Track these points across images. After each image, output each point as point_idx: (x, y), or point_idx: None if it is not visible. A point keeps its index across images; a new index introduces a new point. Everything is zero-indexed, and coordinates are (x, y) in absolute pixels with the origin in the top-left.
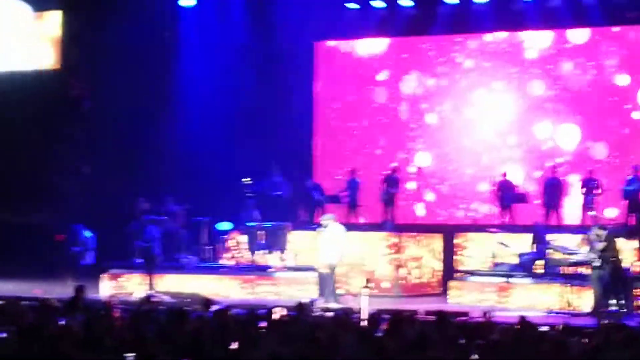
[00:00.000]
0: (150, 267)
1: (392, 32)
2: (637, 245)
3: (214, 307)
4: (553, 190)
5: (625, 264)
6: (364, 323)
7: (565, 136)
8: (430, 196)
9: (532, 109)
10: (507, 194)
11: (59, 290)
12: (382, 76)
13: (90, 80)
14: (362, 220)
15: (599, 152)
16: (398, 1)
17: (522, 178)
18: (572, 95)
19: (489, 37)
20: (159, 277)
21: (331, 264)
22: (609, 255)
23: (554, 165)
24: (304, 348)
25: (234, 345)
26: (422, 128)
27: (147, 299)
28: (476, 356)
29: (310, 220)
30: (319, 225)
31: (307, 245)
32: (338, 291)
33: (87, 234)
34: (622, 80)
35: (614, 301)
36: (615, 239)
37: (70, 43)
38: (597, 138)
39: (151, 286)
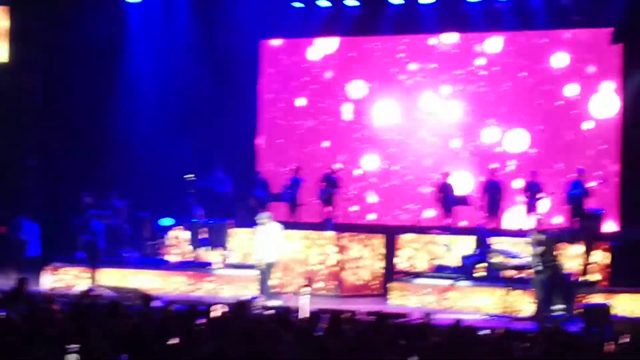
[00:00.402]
0: (93, 261)
1: (338, 32)
2: (582, 250)
3: (154, 303)
4: (493, 194)
5: (567, 269)
6: (304, 322)
7: (512, 140)
8: (373, 197)
9: (479, 112)
10: (448, 197)
11: (1, 282)
12: (327, 76)
13: (39, 75)
14: (303, 219)
15: (544, 157)
16: (344, 1)
17: (470, 181)
18: (520, 99)
19: (434, 39)
20: (101, 272)
21: (268, 262)
22: (550, 259)
23: (494, 169)
24: (244, 345)
25: (174, 341)
26: (367, 129)
27: (88, 292)
28: (415, 358)
29: (252, 217)
30: (256, 223)
31: (248, 243)
32: (277, 290)
33: (31, 226)
34: (570, 87)
35: (556, 306)
36: (556, 244)
37: (19, 37)
38: (543, 143)
39: (93, 280)
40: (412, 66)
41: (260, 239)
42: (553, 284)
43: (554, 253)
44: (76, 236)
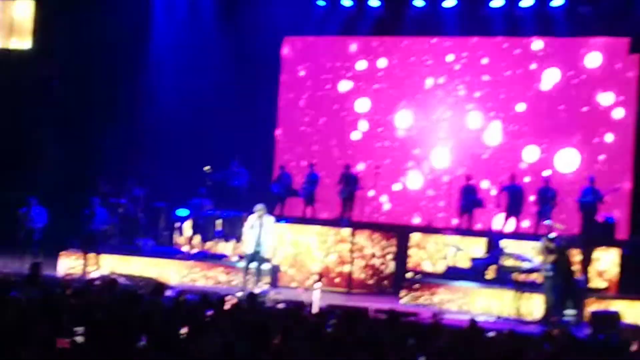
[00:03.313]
0: (101, 249)
1: (361, 32)
2: (591, 257)
3: (168, 292)
4: (513, 197)
5: (577, 274)
6: (315, 317)
7: (528, 152)
8: (388, 196)
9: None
10: (467, 198)
11: (18, 265)
12: (347, 73)
13: (61, 63)
14: (318, 215)
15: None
16: (367, 1)
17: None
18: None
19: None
20: (115, 259)
21: (262, 254)
22: (562, 265)
23: (514, 173)
24: (254, 338)
25: (184, 330)
26: (385, 126)
27: (103, 279)
28: (424, 358)
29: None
30: (252, 213)
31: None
32: (292, 284)
33: (41, 211)
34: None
35: (566, 311)
36: (568, 250)
37: (42, 26)
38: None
39: (99, 267)
40: (436, 68)
41: (252, 229)
42: (563, 289)
43: (564, 259)
44: (89, 223)
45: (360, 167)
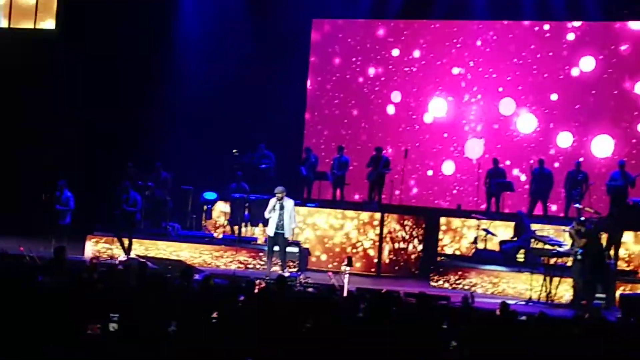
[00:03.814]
0: (132, 232)
1: (390, 14)
2: (622, 240)
3: (196, 276)
4: (542, 181)
5: (607, 258)
6: (345, 301)
7: (561, 137)
8: (416, 179)
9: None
10: (495, 182)
11: (43, 249)
12: (377, 56)
13: (85, 44)
14: (347, 198)
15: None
16: None
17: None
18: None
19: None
20: (142, 243)
21: (284, 236)
22: (592, 249)
23: (543, 157)
24: (283, 321)
25: (214, 315)
26: (414, 110)
27: (130, 263)
28: (454, 343)
29: (299, 196)
30: (273, 196)
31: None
32: (321, 268)
33: (68, 194)
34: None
35: (596, 295)
36: (598, 233)
37: (67, 7)
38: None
39: (130, 251)
40: (466, 52)
41: (273, 212)
42: (593, 272)
43: (594, 243)
44: (117, 207)
45: (389, 151)
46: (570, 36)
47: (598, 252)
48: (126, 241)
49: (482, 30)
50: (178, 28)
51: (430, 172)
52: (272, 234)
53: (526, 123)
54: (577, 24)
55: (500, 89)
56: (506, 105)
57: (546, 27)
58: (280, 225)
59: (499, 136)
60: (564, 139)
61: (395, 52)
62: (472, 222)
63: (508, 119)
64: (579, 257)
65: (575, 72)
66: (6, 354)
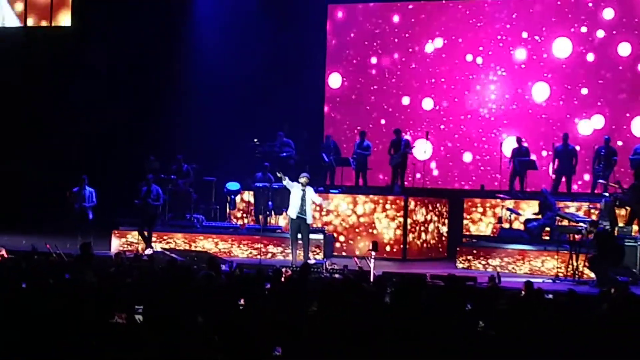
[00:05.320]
0: (152, 226)
1: None
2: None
3: (222, 266)
4: (565, 158)
5: (634, 233)
6: (372, 286)
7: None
8: (439, 162)
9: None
10: (519, 160)
11: (69, 246)
12: (394, 39)
13: (102, 41)
14: (370, 183)
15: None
16: None
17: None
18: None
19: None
20: (166, 235)
21: (306, 222)
22: (617, 224)
23: (566, 134)
24: (312, 309)
25: (241, 302)
26: (435, 93)
27: (156, 256)
28: (482, 324)
29: (322, 182)
30: (297, 182)
31: (314, 208)
32: (347, 254)
33: (90, 190)
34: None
35: (621, 270)
36: (622, 208)
37: (83, 4)
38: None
39: (150, 243)
40: (481, 32)
41: (295, 199)
42: (620, 248)
43: (620, 217)
44: (140, 200)
45: (409, 134)
46: (607, 18)
47: (624, 228)
48: (149, 235)
49: (498, 9)
50: (195, 20)
51: (452, 153)
52: (294, 217)
53: (541, 93)
54: (611, 9)
55: (523, 66)
56: (531, 85)
57: (573, 13)
58: (303, 211)
59: (522, 115)
60: (594, 120)
61: (410, 34)
62: (497, 202)
63: (531, 96)
64: (606, 233)
65: (614, 53)
66: (34, 350)
